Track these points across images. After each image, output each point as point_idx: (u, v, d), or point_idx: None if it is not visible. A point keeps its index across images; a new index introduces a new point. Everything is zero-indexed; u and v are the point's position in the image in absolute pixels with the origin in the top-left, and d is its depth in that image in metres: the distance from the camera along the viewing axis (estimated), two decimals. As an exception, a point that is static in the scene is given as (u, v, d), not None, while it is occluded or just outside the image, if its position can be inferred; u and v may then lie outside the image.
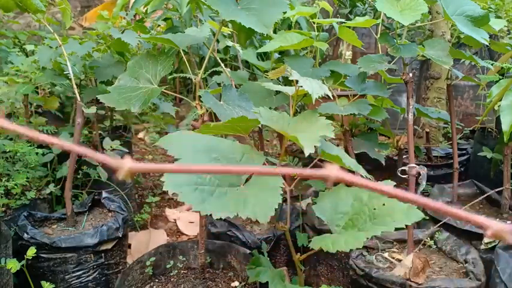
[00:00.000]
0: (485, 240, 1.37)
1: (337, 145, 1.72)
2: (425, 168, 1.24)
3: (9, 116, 1.78)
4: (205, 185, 0.80)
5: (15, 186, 1.48)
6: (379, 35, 1.31)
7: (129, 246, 1.82)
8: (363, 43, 1.46)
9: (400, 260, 1.24)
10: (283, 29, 2.07)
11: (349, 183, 0.23)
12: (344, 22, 1.37)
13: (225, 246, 1.37)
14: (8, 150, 1.54)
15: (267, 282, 1.09)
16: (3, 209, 1.49)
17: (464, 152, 2.23)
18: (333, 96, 1.02)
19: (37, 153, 1.61)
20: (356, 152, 1.54)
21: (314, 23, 1.41)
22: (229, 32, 1.64)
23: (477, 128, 2.03)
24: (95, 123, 1.99)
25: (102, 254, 1.43)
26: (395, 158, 1.89)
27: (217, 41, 1.57)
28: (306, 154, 0.78)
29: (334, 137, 0.96)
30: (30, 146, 1.61)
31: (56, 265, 1.38)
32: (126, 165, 0.24)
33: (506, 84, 1.38)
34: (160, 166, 0.25)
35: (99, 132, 2.05)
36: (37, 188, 1.67)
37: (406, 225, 0.86)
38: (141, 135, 3.44)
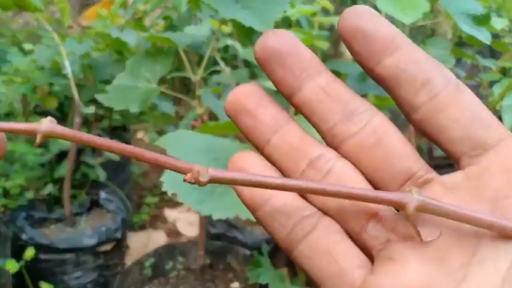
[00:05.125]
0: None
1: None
2: (427, 168, 1.23)
3: (7, 115, 1.77)
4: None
5: (14, 187, 1.47)
6: (380, 34, 1.30)
7: (128, 247, 1.81)
8: (363, 42, 1.45)
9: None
10: (283, 27, 2.06)
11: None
12: (345, 21, 1.36)
13: (225, 247, 1.36)
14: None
15: (267, 283, 1.08)
16: (2, 209, 1.47)
17: (465, 151, 2.22)
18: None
19: (35, 153, 1.60)
20: (357, 152, 1.53)
21: (315, 21, 1.40)
22: (229, 31, 1.63)
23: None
24: (94, 122, 1.98)
25: (101, 255, 1.42)
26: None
27: (217, 39, 1.56)
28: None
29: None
30: (29, 146, 1.60)
31: (54, 266, 1.37)
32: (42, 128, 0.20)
33: (508, 84, 1.37)
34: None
35: (98, 132, 2.04)
36: (35, 189, 1.65)
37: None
38: (140, 135, 3.43)
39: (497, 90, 1.43)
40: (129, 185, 2.12)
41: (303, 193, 0.22)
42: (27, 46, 1.93)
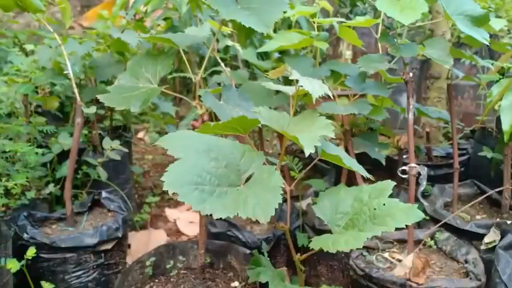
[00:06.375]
0: (486, 240, 1.37)
1: (337, 145, 1.71)
2: (426, 168, 1.24)
3: (8, 115, 1.77)
4: (205, 185, 0.80)
5: (15, 186, 1.47)
6: (379, 35, 1.31)
7: (129, 246, 1.82)
8: (363, 43, 1.46)
9: (400, 260, 1.24)
10: (283, 28, 2.06)
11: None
12: (344, 22, 1.37)
13: (225, 246, 1.37)
14: (7, 150, 1.54)
15: (267, 282, 1.09)
16: (3, 209, 1.48)
17: (464, 151, 2.23)
18: (333, 95, 1.02)
19: (37, 153, 1.60)
20: (356, 152, 1.53)
21: (314, 22, 1.41)
22: (229, 32, 1.64)
23: (477, 127, 2.03)
24: (95, 123, 1.98)
25: (102, 254, 1.43)
26: (396, 158, 1.88)
27: (217, 40, 1.56)
28: (306, 154, 0.78)
29: (334, 137, 0.96)
30: (30, 145, 1.61)
31: (55, 265, 1.37)
32: None
33: (507, 84, 1.38)
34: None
35: (99, 132, 2.05)
36: (37, 188, 1.66)
37: (407, 225, 0.86)
38: (140, 135, 3.44)
39: (495, 90, 1.44)
40: (130, 184, 2.13)
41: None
42: (29, 47, 1.94)
